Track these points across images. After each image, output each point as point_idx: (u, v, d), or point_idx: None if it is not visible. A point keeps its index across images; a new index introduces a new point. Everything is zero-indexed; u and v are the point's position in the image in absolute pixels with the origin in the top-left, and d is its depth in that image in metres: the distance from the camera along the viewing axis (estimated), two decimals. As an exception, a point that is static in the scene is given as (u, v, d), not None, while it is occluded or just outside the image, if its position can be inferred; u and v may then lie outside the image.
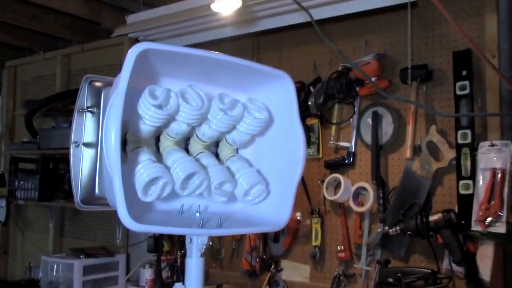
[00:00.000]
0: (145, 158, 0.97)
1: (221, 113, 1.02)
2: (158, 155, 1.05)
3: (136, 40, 2.82)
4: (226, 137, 1.11)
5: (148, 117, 0.95)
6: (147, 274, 2.61)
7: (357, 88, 2.20)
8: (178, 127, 1.01)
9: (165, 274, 2.66)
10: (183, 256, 2.65)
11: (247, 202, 1.09)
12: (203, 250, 1.01)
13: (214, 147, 1.16)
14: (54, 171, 3.36)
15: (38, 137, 3.32)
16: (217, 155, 1.15)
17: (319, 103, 2.27)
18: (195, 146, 1.09)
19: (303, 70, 2.45)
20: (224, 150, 1.14)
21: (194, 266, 1.00)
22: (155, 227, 0.89)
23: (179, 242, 2.70)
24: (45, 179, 3.29)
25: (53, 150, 3.22)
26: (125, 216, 0.85)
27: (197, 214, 1.04)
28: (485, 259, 1.86)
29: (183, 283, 1.00)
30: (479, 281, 1.86)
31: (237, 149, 1.17)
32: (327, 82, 2.27)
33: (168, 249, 2.74)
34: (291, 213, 1.08)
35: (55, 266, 2.90)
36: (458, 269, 1.92)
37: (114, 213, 2.73)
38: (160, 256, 2.45)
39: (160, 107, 0.95)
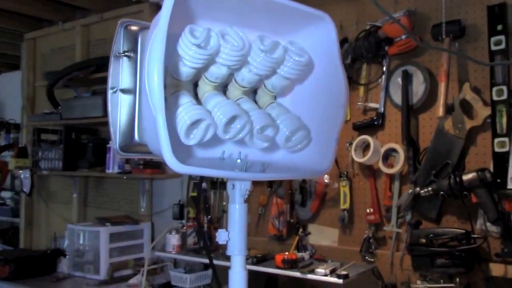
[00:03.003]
0: (186, 101, 0.94)
1: (262, 55, 0.98)
2: (197, 101, 1.02)
3: (157, 6, 2.77)
4: (265, 83, 1.08)
5: (189, 57, 0.91)
6: (174, 240, 2.61)
7: (386, 47, 2.14)
8: (218, 70, 0.98)
9: (191, 240, 2.66)
10: (210, 222, 2.64)
11: (289, 148, 1.06)
12: (246, 196, 0.99)
13: (252, 95, 1.13)
14: (77, 141, 3.37)
15: (59, 107, 3.33)
16: (255, 103, 1.12)
17: (347, 63, 2.23)
18: (234, 92, 1.06)
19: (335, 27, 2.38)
20: (263, 97, 1.11)
21: (237, 212, 0.98)
22: (200, 169, 0.87)
23: (204, 209, 2.69)
24: (68, 149, 3.31)
25: (75, 120, 3.22)
26: (170, 157, 0.82)
27: (238, 161, 1.01)
28: (522, 218, 1.83)
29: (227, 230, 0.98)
30: (514, 240, 1.83)
31: (275, 97, 1.14)
32: (355, 41, 2.21)
33: (193, 216, 2.73)
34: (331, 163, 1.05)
35: (81, 234, 2.93)
36: (493, 229, 1.89)
37: (138, 181, 2.73)
38: (199, 207, 2.43)
39: (200, 47, 0.92)
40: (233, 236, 0.96)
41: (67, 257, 3.00)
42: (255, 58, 0.99)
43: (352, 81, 2.30)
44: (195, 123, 0.92)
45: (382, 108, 2.20)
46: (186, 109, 0.92)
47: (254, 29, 1.05)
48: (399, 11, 2.12)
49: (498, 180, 1.82)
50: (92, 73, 3.21)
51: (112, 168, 3.06)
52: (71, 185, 3.60)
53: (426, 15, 2.12)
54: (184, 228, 2.67)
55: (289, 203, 2.44)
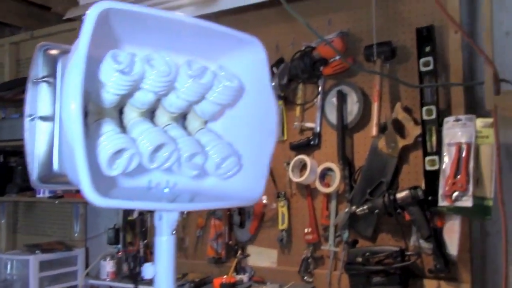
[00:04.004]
0: (108, 129, 0.90)
1: (190, 81, 0.95)
2: (122, 129, 0.98)
3: (90, 24, 2.68)
4: (194, 108, 1.05)
5: (112, 84, 0.87)
6: (109, 266, 2.51)
7: (321, 68, 2.17)
8: (144, 96, 0.94)
9: (127, 266, 2.56)
10: (146, 247, 2.56)
11: (219, 176, 1.03)
12: (174, 227, 0.95)
13: (181, 120, 1.09)
14: (5, 164, 3.21)
15: (-14, 129, 3.15)
16: (185, 129, 1.08)
17: (283, 84, 2.23)
18: (162, 118, 1.02)
19: (266, 51, 2.39)
20: (193, 123, 1.07)
21: (165, 245, 0.93)
22: (122, 202, 0.82)
23: (141, 233, 2.61)
24: (-6, 173, 3.13)
25: (3, 143, 3.06)
26: (89, 190, 0.77)
27: (166, 190, 0.97)
28: (452, 234, 1.88)
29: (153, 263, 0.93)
30: (446, 257, 1.87)
31: (206, 122, 1.11)
32: (291, 62, 2.23)
33: (130, 240, 2.64)
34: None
35: (9, 263, 2.76)
36: (426, 245, 1.93)
37: (71, 205, 2.62)
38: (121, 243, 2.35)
39: (123, 72, 0.88)
40: (161, 271, 0.91)
41: (-7, 288, 2.82)
42: (183, 84, 0.96)
43: (289, 101, 2.31)
44: (118, 153, 0.88)
45: (318, 128, 2.22)
46: (109, 138, 0.88)
47: (182, 53, 1.02)
48: (333, 32, 2.15)
49: (430, 198, 1.86)
50: (21, 93, 3.06)
51: (43, 192, 2.92)
52: (-1, 210, 3.41)
53: (359, 36, 2.16)
54: (119, 253, 2.57)
55: (227, 224, 2.40)
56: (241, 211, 2.37)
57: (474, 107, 1.92)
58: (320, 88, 2.21)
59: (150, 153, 0.90)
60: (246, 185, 1.04)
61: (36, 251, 2.76)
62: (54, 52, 0.98)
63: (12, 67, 3.46)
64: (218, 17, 2.44)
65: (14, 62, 3.48)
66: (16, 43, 3.49)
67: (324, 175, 2.20)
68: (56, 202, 2.94)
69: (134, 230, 2.61)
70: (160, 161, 0.92)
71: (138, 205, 0.86)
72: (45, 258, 2.74)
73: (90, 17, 0.80)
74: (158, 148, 0.92)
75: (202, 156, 0.99)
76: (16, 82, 3.20)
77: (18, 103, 3.26)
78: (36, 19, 3.33)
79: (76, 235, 3.05)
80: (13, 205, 3.39)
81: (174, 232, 0.95)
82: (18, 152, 3.30)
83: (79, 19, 2.65)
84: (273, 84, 2.23)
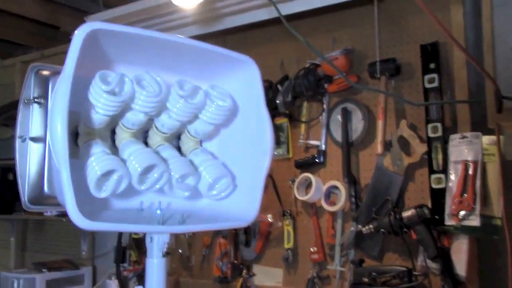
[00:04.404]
0: (97, 150, 0.89)
1: (181, 101, 0.95)
2: (114, 149, 0.97)
3: (97, 43, 2.71)
4: (188, 128, 1.04)
5: (101, 105, 0.87)
6: (114, 285, 2.49)
7: (326, 85, 2.15)
8: (134, 117, 0.94)
9: (132, 284, 2.55)
10: (152, 265, 2.54)
11: (212, 197, 1.01)
12: (165, 249, 0.93)
13: (175, 140, 1.08)
14: (14, 182, 3.21)
15: (-4, 147, 3.18)
16: (179, 149, 1.07)
17: (288, 101, 2.22)
18: (155, 138, 1.02)
19: (271, 68, 2.39)
20: (187, 143, 1.07)
21: (155, 267, 0.92)
22: (109, 225, 0.81)
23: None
24: (3, 190, 3.14)
25: (12, 161, 3.07)
26: (74, 213, 0.76)
27: (158, 212, 0.96)
28: (460, 254, 1.83)
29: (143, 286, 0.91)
30: (454, 277, 1.83)
31: (200, 142, 1.10)
32: (295, 79, 2.21)
33: (135, 259, 2.62)
34: (261, 214, 1.01)
35: (15, 282, 2.76)
36: (433, 265, 1.88)
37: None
38: (119, 265, 2.33)
39: (113, 93, 0.87)
40: (150, 294, 0.89)
41: (1, 307, 2.82)
42: (174, 104, 0.95)
43: (293, 118, 2.30)
44: (107, 174, 0.87)
45: (323, 146, 2.20)
46: (98, 159, 0.87)
47: (175, 72, 1.02)
48: (338, 50, 2.14)
49: (436, 217, 1.82)
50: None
51: (51, 211, 2.93)
52: (9, 228, 3.42)
53: (363, 54, 2.15)
54: (125, 272, 2.55)
55: (233, 243, 2.38)
56: (247, 229, 2.35)
57: (480, 124, 1.89)
58: (325, 106, 2.19)
59: (139, 175, 0.89)
60: (240, 205, 1.03)
61: (43, 270, 2.75)
62: (45, 73, 0.99)
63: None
64: (223, 35, 2.45)
65: (25, 81, 3.52)
66: (27, 62, 3.53)
67: (330, 193, 2.17)
68: (63, 220, 2.95)
69: (140, 248, 2.60)
70: (150, 183, 0.91)
71: (126, 228, 0.85)
72: (52, 277, 2.74)
73: (77, 38, 0.80)
74: (148, 169, 0.91)
75: (194, 177, 0.97)
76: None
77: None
78: (47, 38, 3.37)
79: (83, 253, 3.04)
80: (23, 223, 3.40)
81: (164, 253, 0.93)
82: (27, 170, 3.32)
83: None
84: (278, 101, 2.22)
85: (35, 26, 3.25)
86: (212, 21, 2.27)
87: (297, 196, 2.21)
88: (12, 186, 3.16)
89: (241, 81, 1.04)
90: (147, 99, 0.90)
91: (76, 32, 0.80)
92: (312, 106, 2.27)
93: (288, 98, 2.22)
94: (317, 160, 2.20)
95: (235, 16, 2.25)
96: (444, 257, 1.83)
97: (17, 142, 0.95)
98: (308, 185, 2.22)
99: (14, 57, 3.61)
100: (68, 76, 0.79)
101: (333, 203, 2.14)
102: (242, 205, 1.03)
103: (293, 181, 2.23)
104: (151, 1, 2.25)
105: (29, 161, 0.95)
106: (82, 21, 2.59)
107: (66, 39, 3.03)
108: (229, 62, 1.02)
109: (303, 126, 2.27)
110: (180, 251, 2.57)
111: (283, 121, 2.29)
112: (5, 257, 3.42)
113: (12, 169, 3.18)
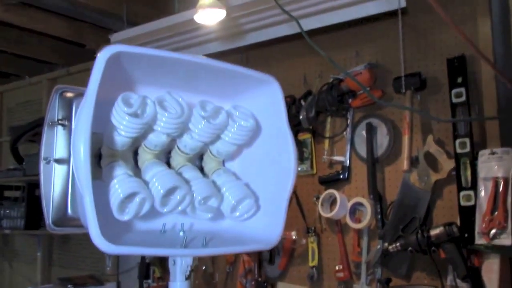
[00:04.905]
0: (120, 173, 0.88)
1: (203, 122, 0.93)
2: (136, 170, 0.96)
3: (122, 60, 2.74)
4: (210, 149, 1.03)
5: (123, 127, 0.86)
6: (138, 302, 2.49)
7: (350, 100, 2.13)
8: (157, 138, 0.93)
9: (156, 301, 2.54)
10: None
11: (235, 218, 1.00)
12: (188, 272, 0.92)
13: (198, 160, 1.07)
14: (40, 197, 3.25)
15: (23, 163, 3.22)
16: (201, 169, 1.06)
17: (311, 116, 2.20)
18: (177, 159, 1.01)
19: (294, 83, 2.38)
20: (209, 163, 1.05)
21: (178, 291, 0.90)
22: (133, 248, 0.80)
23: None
24: (31, 206, 3.19)
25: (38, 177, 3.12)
26: (97, 237, 0.76)
27: (181, 233, 0.95)
28: (491, 274, 1.77)
29: (167, 310, 0.90)
30: (486, 297, 1.77)
31: (223, 162, 1.09)
32: (318, 94, 2.20)
33: (159, 275, 2.62)
34: (285, 231, 0.99)
35: (41, 297, 2.78)
36: (463, 285, 1.82)
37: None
38: (142, 281, 2.33)
39: (135, 115, 0.87)
40: (173, 319, 0.87)
41: (27, 322, 2.84)
42: (197, 125, 0.94)
43: (317, 134, 2.27)
44: (130, 197, 0.86)
45: (348, 161, 2.17)
46: (120, 182, 0.86)
47: (198, 93, 1.01)
48: (361, 64, 2.12)
49: (466, 235, 1.77)
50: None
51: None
52: (36, 243, 3.46)
53: (387, 68, 2.12)
54: (149, 289, 2.55)
55: (256, 260, 2.36)
56: (271, 246, 2.32)
57: (510, 139, 1.84)
58: (349, 121, 2.17)
59: (162, 197, 0.88)
60: (263, 227, 1.01)
61: (69, 285, 2.76)
62: (69, 94, 0.99)
63: (50, 103, 3.56)
64: (245, 51, 2.45)
65: (52, 98, 3.58)
66: (53, 79, 3.60)
67: (355, 210, 2.14)
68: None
69: (164, 264, 2.59)
70: (172, 205, 0.90)
71: (150, 251, 0.84)
72: (76, 293, 2.75)
73: (100, 61, 0.80)
74: (171, 191, 0.90)
75: (217, 198, 0.96)
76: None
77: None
78: (72, 55, 3.43)
79: (108, 269, 3.05)
80: (49, 238, 3.44)
81: (187, 276, 0.92)
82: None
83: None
84: (301, 117, 2.20)
85: (61, 44, 3.31)
86: (234, 38, 2.28)
87: (321, 212, 2.18)
88: (39, 202, 3.19)
89: (263, 100, 1.02)
90: (170, 120, 0.89)
91: (98, 54, 0.80)
92: (336, 121, 2.25)
93: (312, 114, 2.20)
94: (341, 176, 2.17)
95: (257, 32, 2.25)
96: (474, 277, 1.78)
97: (42, 163, 0.95)
98: (332, 201, 2.19)
99: (41, 75, 3.68)
100: (90, 98, 0.78)
101: (358, 220, 2.10)
102: (265, 227, 1.00)
103: (318, 198, 2.21)
104: (173, 19, 2.27)
105: (53, 183, 0.95)
106: (107, 39, 2.64)
107: (91, 56, 3.08)
108: (251, 82, 1.01)
109: (327, 142, 2.25)
110: (203, 267, 2.56)
111: (306, 136, 2.27)
112: (32, 272, 3.45)
113: (37, 184, 3.24)
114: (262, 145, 1.06)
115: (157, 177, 0.90)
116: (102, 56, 0.80)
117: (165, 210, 0.89)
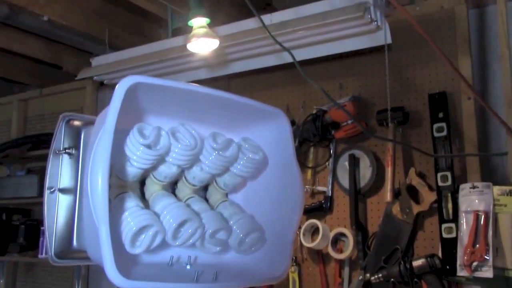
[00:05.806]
0: (132, 205, 0.87)
1: (214, 154, 0.93)
2: (144, 201, 0.95)
3: (101, 84, 2.71)
4: (217, 180, 1.03)
5: (137, 158, 0.85)
6: (111, 333, 2.40)
7: (333, 131, 2.16)
8: (168, 170, 0.92)
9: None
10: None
11: (242, 251, 0.99)
12: (197, 307, 0.90)
13: (202, 191, 1.06)
14: (8, 222, 3.14)
15: (-10, 186, 3.11)
16: (206, 200, 1.06)
17: (294, 146, 2.21)
18: (184, 190, 1.00)
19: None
20: (214, 195, 1.05)
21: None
22: (149, 284, 0.78)
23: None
24: (-4, 231, 3.06)
25: (7, 200, 3.02)
26: (113, 273, 0.74)
27: (188, 267, 0.93)
28: (473, 306, 1.81)
29: None
30: (466, 329, 1.80)
31: (227, 194, 1.08)
32: (302, 125, 2.22)
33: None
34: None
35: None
36: (445, 317, 1.85)
37: (72, 266, 2.52)
38: None
39: (149, 147, 0.86)
40: None
41: None
42: (207, 157, 0.94)
43: (300, 164, 2.28)
44: (142, 230, 0.85)
45: (330, 192, 2.19)
46: (132, 214, 0.85)
47: (207, 125, 1.01)
48: (345, 97, 2.16)
49: (448, 267, 1.80)
50: (28, 151, 3.05)
51: (45, 253, 2.85)
52: (-1, 270, 3.32)
53: (370, 101, 2.17)
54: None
55: (236, 290, 2.32)
56: (250, 276, 2.30)
57: (490, 173, 1.90)
58: (331, 152, 2.20)
59: (174, 230, 0.87)
60: (268, 261, 1.00)
61: (35, 315, 2.66)
62: (77, 123, 0.97)
63: (20, 124, 3.46)
64: (227, 79, 2.46)
65: (22, 119, 3.49)
66: (24, 100, 3.51)
67: (337, 240, 2.14)
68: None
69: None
70: (184, 238, 0.89)
71: (164, 286, 0.81)
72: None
73: (119, 91, 0.79)
74: (181, 224, 0.89)
75: (226, 231, 0.95)
76: (23, 139, 3.19)
77: (24, 160, 3.24)
78: (45, 77, 3.35)
79: (76, 297, 2.95)
80: (13, 265, 3.30)
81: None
82: (22, 210, 3.25)
83: (90, 78, 2.66)
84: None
85: (35, 65, 3.24)
86: (220, 66, 2.28)
87: (303, 242, 2.18)
88: (7, 227, 3.08)
89: (271, 134, 1.04)
90: (183, 152, 0.89)
91: (118, 85, 0.79)
92: (318, 151, 2.27)
93: (295, 144, 2.21)
94: (323, 206, 2.18)
95: (242, 62, 2.26)
96: (456, 308, 1.81)
97: (46, 193, 0.92)
98: (314, 231, 2.19)
99: (11, 95, 3.58)
100: (109, 129, 0.77)
101: (340, 251, 2.11)
102: (270, 260, 1.00)
103: (299, 228, 2.21)
104: (157, 45, 2.26)
105: (57, 213, 0.92)
106: (87, 62, 2.60)
107: (67, 78, 3.03)
108: (260, 114, 1.02)
109: (309, 172, 2.26)
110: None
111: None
112: (-7, 300, 3.30)
113: (4, 209, 3.12)
114: (268, 178, 1.06)
115: (168, 210, 0.89)
116: (122, 87, 0.80)
117: (177, 243, 0.88)
